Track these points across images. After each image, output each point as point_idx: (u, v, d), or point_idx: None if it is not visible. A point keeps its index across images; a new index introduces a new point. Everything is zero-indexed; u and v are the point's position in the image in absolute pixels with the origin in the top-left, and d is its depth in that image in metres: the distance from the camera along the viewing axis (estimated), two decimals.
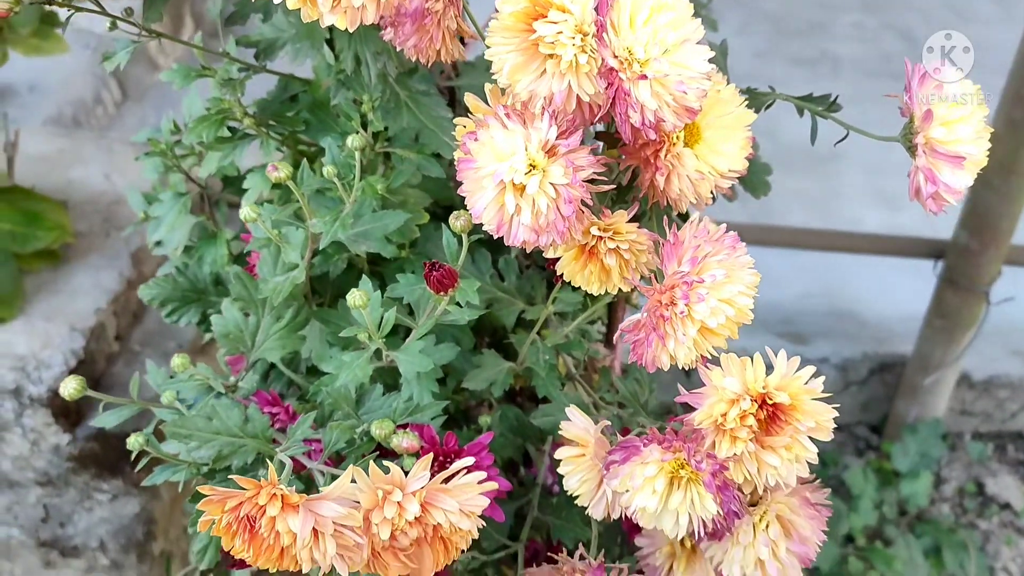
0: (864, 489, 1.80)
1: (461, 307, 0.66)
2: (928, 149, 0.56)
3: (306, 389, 0.77)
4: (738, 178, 0.60)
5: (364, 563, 0.54)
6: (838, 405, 0.57)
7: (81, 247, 1.60)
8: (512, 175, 0.52)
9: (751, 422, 0.54)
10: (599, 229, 0.58)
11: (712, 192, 0.59)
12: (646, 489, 0.56)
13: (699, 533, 0.57)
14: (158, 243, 0.90)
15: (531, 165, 0.53)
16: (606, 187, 0.55)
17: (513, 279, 0.83)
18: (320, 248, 0.74)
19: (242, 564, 0.63)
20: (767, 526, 0.61)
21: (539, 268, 0.87)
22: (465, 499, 0.55)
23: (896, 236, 1.83)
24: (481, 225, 0.56)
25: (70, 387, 0.66)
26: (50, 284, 1.56)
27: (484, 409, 0.87)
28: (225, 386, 0.71)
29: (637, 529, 0.69)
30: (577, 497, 0.64)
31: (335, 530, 0.51)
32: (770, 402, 0.55)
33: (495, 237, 0.56)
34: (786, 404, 0.55)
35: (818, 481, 0.67)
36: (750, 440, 0.54)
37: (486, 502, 0.56)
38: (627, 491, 0.57)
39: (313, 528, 0.50)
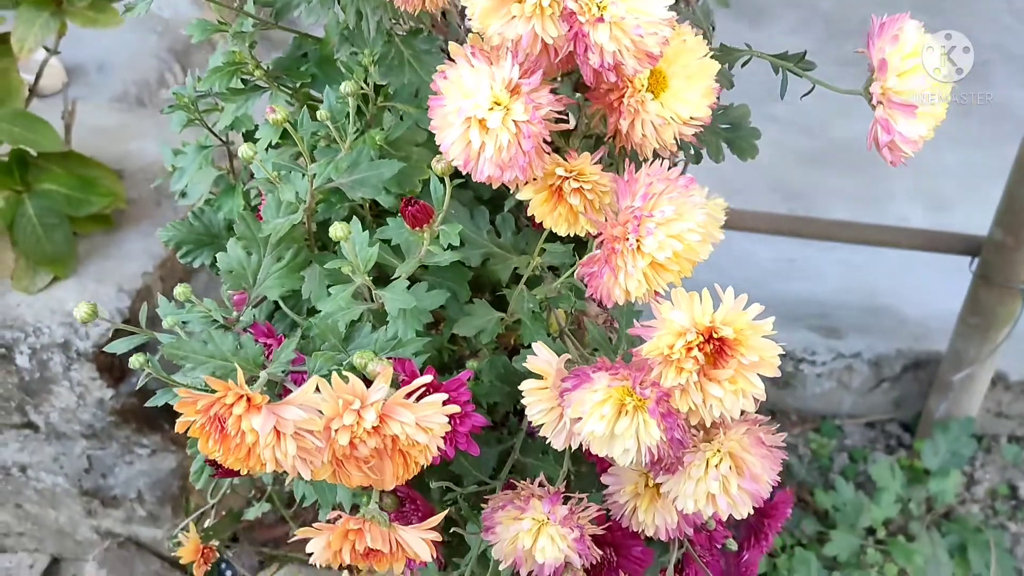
0: (888, 483, 1.79)
1: (444, 249, 0.70)
2: (885, 99, 0.58)
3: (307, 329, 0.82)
4: (702, 127, 0.63)
5: (325, 468, 0.59)
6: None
7: (133, 214, 1.68)
8: (476, 111, 0.56)
9: (696, 354, 0.57)
10: (564, 170, 0.62)
11: (676, 139, 0.61)
12: (595, 415, 0.59)
13: (645, 460, 0.60)
14: (183, 194, 0.96)
15: (495, 102, 0.56)
16: (565, 126, 0.58)
17: (509, 235, 0.87)
18: (320, 194, 0.79)
19: (228, 472, 0.68)
20: (719, 462, 0.63)
21: (537, 226, 0.90)
22: (423, 415, 0.58)
23: (930, 231, 1.82)
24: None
25: (82, 310, 0.72)
26: (102, 248, 1.64)
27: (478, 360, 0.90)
28: (226, 319, 0.76)
29: (606, 468, 0.72)
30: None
31: (296, 432, 0.55)
32: (716, 336, 0.57)
33: (464, 173, 0.59)
34: (731, 338, 0.57)
35: (778, 430, 0.69)
36: (695, 371, 0.57)
37: (444, 420, 0.59)
38: (579, 418, 0.60)
39: (275, 429, 0.54)
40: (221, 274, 0.78)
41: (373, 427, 0.57)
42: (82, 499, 1.72)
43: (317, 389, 0.57)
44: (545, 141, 0.58)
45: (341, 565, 0.61)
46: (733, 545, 0.86)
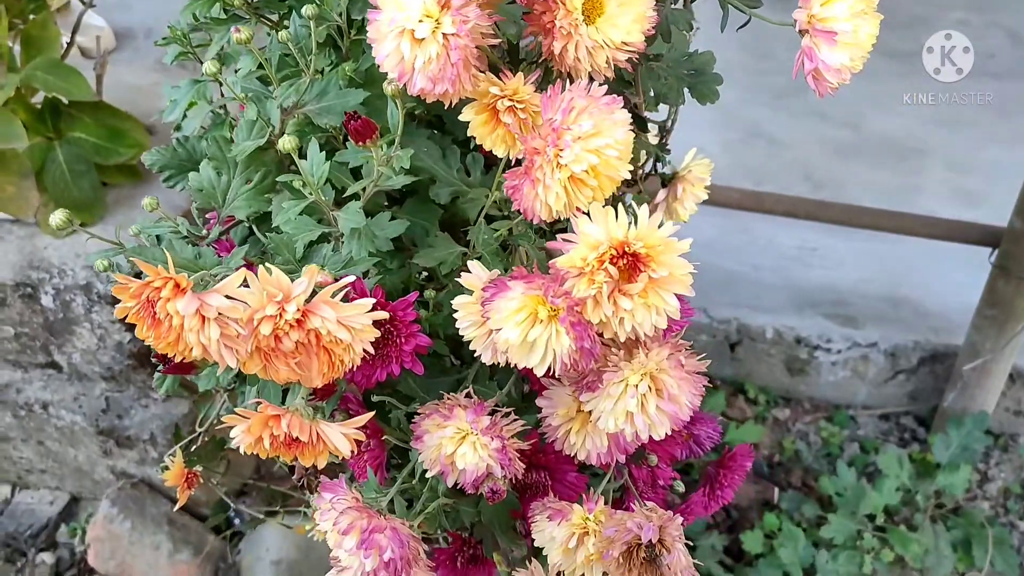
0: (893, 471, 1.77)
1: (396, 173, 0.73)
2: (810, 27, 0.59)
3: None
4: (637, 54, 0.64)
5: (254, 361, 0.62)
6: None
7: None
8: (407, 23, 0.59)
9: (609, 267, 0.59)
10: (499, 89, 0.64)
11: (609, 62, 0.63)
12: (510, 322, 0.61)
13: (556, 369, 0.62)
14: (178, 127, 1.00)
15: (425, 15, 0.59)
16: (494, 40, 0.61)
17: (478, 175, 0.89)
18: (295, 125, 0.82)
19: (176, 369, 0.72)
20: (638, 381, 0.65)
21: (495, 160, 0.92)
22: (346, 315, 0.61)
23: (949, 220, 1.80)
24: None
25: (58, 217, 0.76)
26: (128, 199, 1.70)
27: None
28: (195, 235, 0.80)
29: (542, 392, 0.74)
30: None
31: (219, 317, 0.58)
32: (629, 251, 0.59)
33: (401, 82, 0.62)
34: (643, 254, 0.59)
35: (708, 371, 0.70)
36: (606, 283, 0.59)
37: (367, 321, 0.62)
38: (499, 329, 0.62)
39: (200, 313, 0.58)
40: (192, 193, 0.81)
41: (296, 320, 0.60)
42: (98, 438, 1.79)
43: (245, 283, 0.60)
44: (490, 65, 0.60)
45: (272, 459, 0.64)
46: (680, 487, 0.88)
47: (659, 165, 1.02)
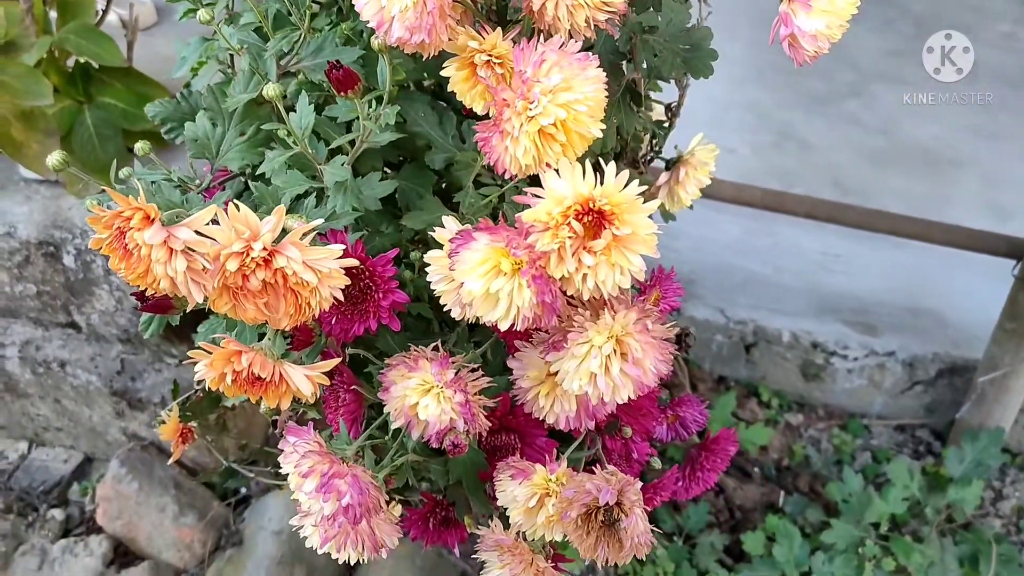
0: (902, 480, 1.74)
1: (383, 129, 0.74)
2: None
3: None
4: (616, 13, 0.64)
5: (223, 300, 0.63)
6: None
7: None
8: None
9: (573, 222, 0.59)
10: (477, 44, 0.64)
11: (588, 22, 0.63)
12: (473, 274, 0.61)
13: (519, 323, 0.62)
14: (187, 85, 1.01)
15: None
16: None
17: (473, 142, 0.90)
18: (296, 84, 0.83)
19: (153, 307, 0.73)
20: (602, 343, 0.65)
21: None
22: (313, 257, 0.62)
23: (973, 229, 1.77)
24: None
25: (55, 158, 0.78)
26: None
27: None
28: (187, 183, 0.81)
29: (514, 354, 0.74)
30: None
31: (186, 250, 0.59)
32: (595, 207, 0.59)
33: (379, 33, 0.62)
34: (608, 211, 0.59)
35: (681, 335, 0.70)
36: (569, 238, 0.59)
37: (335, 265, 0.63)
38: (463, 281, 0.63)
39: (167, 245, 0.59)
40: (187, 141, 0.83)
41: (262, 259, 0.61)
42: (112, 399, 1.82)
43: (215, 221, 0.61)
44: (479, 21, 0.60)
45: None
46: (657, 464, 0.87)
47: (654, 142, 1.01)
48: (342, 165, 0.76)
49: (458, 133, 0.90)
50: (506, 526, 0.73)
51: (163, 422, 1.15)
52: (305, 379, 0.64)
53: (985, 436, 1.86)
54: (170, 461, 1.11)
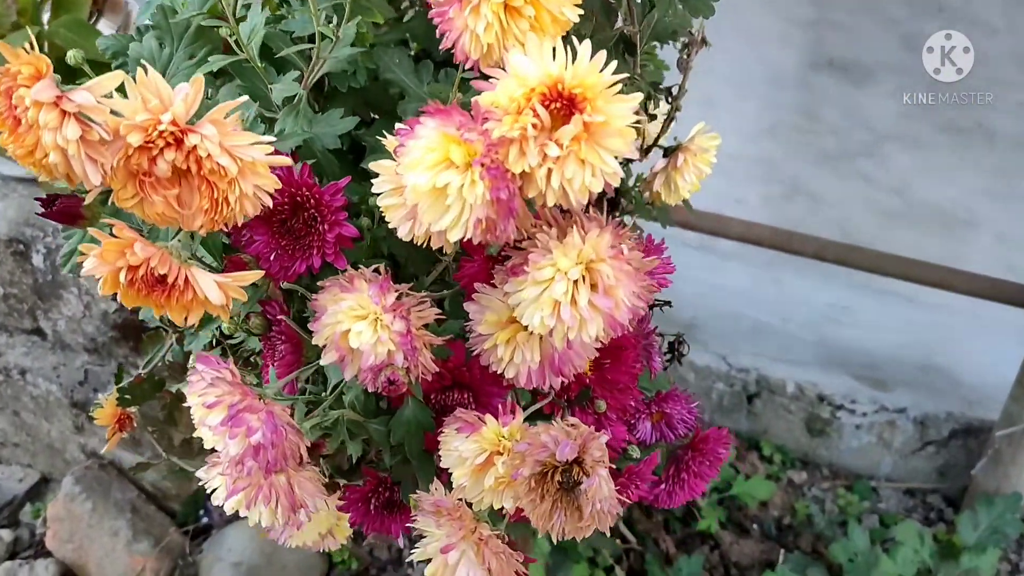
0: (911, 542, 1.61)
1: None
2: None
3: None
4: None
5: (127, 191, 0.54)
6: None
7: None
8: None
9: (537, 106, 0.50)
10: None
11: None
12: (420, 166, 0.52)
13: (471, 230, 0.52)
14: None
15: None
16: None
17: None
18: None
19: (57, 216, 0.64)
20: (568, 266, 0.55)
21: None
22: (234, 143, 0.53)
23: (989, 277, 1.67)
24: None
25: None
26: None
27: None
28: None
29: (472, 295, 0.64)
30: None
31: (79, 116, 0.50)
32: (564, 93, 0.51)
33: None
34: (579, 97, 0.50)
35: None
36: (532, 124, 0.50)
37: (260, 157, 0.54)
38: (408, 178, 0.53)
39: (59, 108, 0.50)
40: (128, 61, 0.75)
41: (173, 139, 0.52)
42: (72, 411, 1.72)
43: (121, 91, 0.53)
44: None
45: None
46: (635, 452, 0.77)
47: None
48: (292, 81, 0.67)
49: (435, 82, 0.82)
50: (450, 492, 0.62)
51: (99, 405, 1.05)
52: (215, 286, 0.55)
53: (1001, 502, 1.73)
54: (104, 450, 1.00)
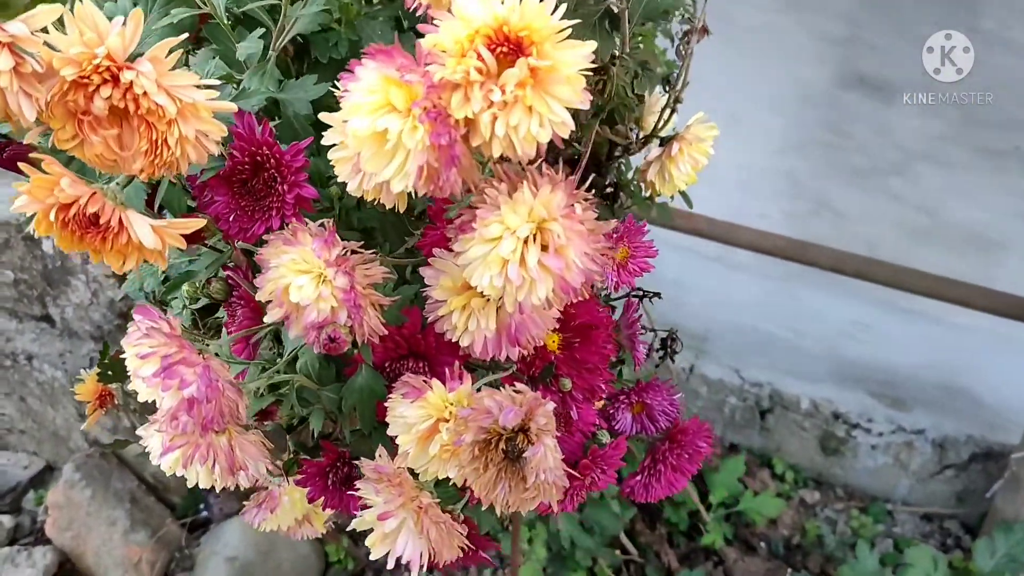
0: (924, 567, 1.55)
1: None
2: None
3: None
4: None
5: (66, 131, 0.53)
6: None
7: None
8: None
9: (482, 49, 0.48)
10: None
11: None
12: (360, 110, 0.50)
13: (412, 179, 0.50)
14: None
15: None
16: None
17: None
18: None
19: (6, 163, 0.63)
20: (517, 223, 0.53)
21: None
22: (175, 83, 0.52)
23: (1012, 296, 1.61)
24: None
25: None
26: None
27: None
28: None
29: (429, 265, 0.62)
30: None
31: (12, 45, 0.49)
32: (511, 36, 0.48)
33: None
34: (526, 40, 0.48)
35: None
36: (475, 68, 0.48)
37: (202, 99, 0.53)
38: (348, 123, 0.51)
39: None
40: None
41: (110, 74, 0.50)
42: (76, 398, 1.72)
43: (61, 23, 0.51)
44: None
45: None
46: (605, 437, 0.74)
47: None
48: (257, 39, 0.66)
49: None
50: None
51: (80, 380, 1.04)
52: (149, 230, 0.53)
53: (1020, 528, 1.67)
54: (84, 426, 0.99)
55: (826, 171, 2.63)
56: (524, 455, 0.54)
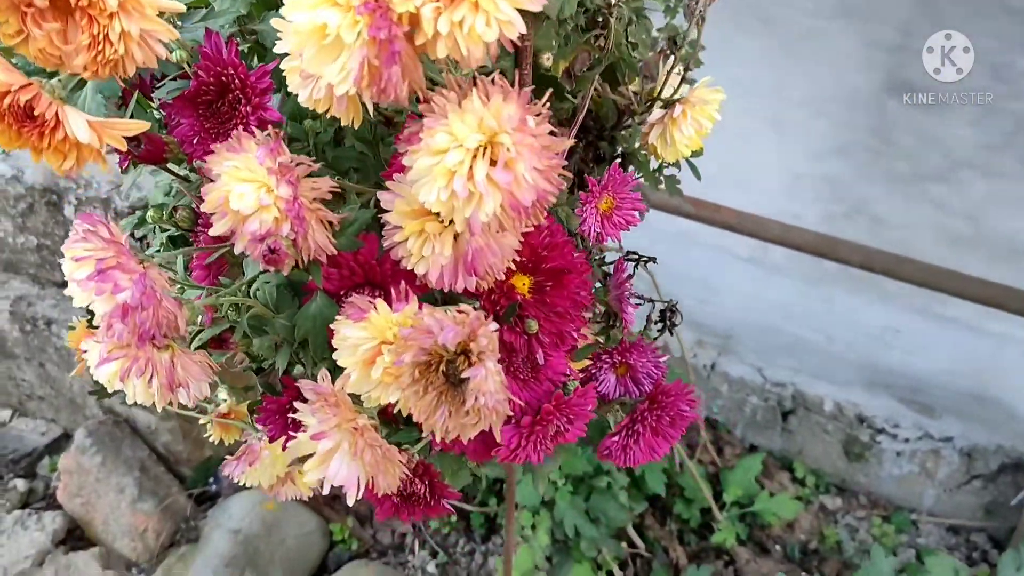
0: (941, 574, 1.49)
1: None
2: None
3: None
4: None
5: (4, 20, 0.51)
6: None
7: None
8: None
9: None
10: None
11: None
12: (302, 5, 0.48)
13: (352, 76, 0.48)
14: None
15: None
16: None
17: None
18: None
19: None
20: (465, 133, 0.50)
21: None
22: None
23: None
24: None
25: None
26: None
27: None
28: None
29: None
30: None
31: None
32: None
33: None
34: None
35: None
36: None
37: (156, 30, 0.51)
38: (291, 19, 0.49)
39: None
40: None
41: None
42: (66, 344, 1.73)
43: None
44: None
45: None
46: (573, 385, 0.71)
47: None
48: None
49: None
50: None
51: (72, 328, 1.03)
52: (85, 125, 0.51)
53: None
54: (72, 373, 0.98)
55: (867, 176, 2.57)
56: (464, 378, 0.52)
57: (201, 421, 1.08)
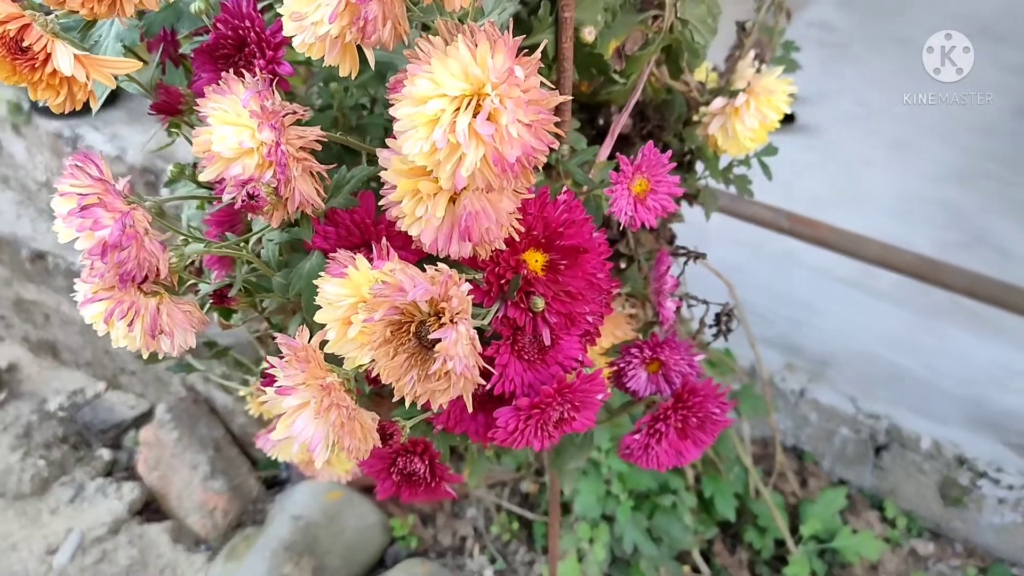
0: None
1: None
2: None
3: None
4: None
5: None
6: None
7: None
8: None
9: None
10: None
11: None
12: None
13: (330, 12, 0.46)
14: None
15: None
16: None
17: None
18: None
19: None
20: (447, 79, 0.48)
21: None
22: None
23: None
24: None
25: None
26: None
27: None
28: None
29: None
30: None
31: None
32: None
33: None
34: None
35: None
36: None
37: None
38: None
39: None
40: None
41: None
42: None
43: None
44: None
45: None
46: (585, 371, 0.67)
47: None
48: None
49: None
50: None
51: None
52: (71, 59, 0.51)
53: None
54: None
55: (990, 206, 2.41)
56: (435, 339, 0.49)
57: (240, 392, 1.09)
